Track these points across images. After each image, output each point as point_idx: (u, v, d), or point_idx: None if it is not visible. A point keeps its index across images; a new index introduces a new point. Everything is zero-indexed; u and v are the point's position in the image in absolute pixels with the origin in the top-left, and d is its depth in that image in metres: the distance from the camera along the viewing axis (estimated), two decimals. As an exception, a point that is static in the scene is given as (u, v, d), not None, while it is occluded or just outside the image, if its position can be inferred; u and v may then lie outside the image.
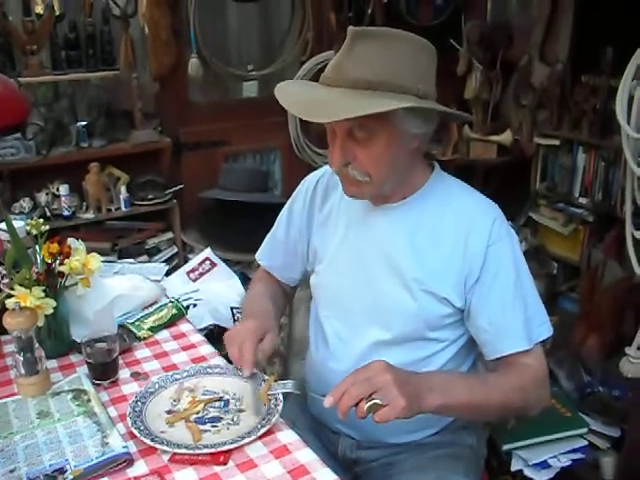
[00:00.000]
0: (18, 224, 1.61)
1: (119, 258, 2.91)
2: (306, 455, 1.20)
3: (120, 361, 1.51)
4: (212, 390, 1.39)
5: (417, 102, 1.22)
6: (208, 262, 2.51)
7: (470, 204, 1.39)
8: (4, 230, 1.59)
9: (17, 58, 2.94)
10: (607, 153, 3.03)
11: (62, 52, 3.02)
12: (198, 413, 1.32)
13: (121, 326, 1.68)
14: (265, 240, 1.69)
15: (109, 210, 3.08)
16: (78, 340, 1.53)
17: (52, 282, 1.51)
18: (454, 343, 1.42)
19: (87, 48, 3.06)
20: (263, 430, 1.23)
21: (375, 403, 1.12)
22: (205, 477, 1.15)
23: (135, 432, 1.23)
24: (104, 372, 1.46)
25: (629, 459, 2.12)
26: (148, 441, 1.21)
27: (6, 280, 1.52)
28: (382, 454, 1.49)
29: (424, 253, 1.36)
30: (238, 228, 2.83)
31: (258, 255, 1.70)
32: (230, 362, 1.43)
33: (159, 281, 2.10)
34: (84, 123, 3.02)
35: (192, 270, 2.47)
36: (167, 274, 2.33)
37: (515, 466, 2.11)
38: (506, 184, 3.44)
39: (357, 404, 1.13)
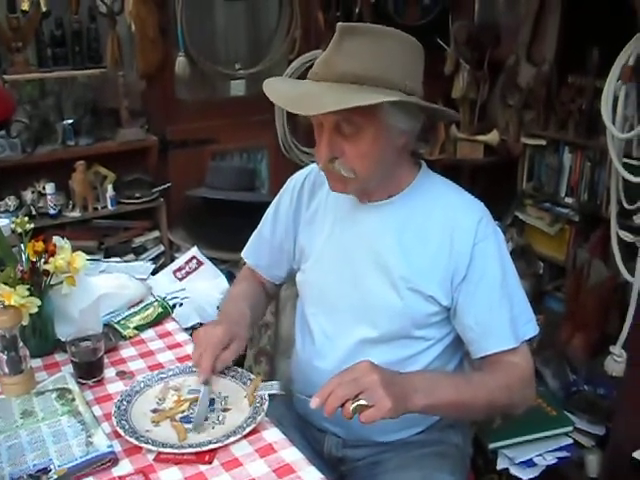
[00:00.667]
0: (3, 222, 1.61)
1: (105, 257, 2.89)
2: (291, 454, 1.20)
3: (105, 360, 1.51)
4: (198, 389, 1.38)
5: (404, 97, 1.22)
6: (195, 261, 2.49)
7: (456, 203, 1.39)
8: (-12, 228, 1.58)
9: (2, 55, 2.92)
10: (593, 153, 3.05)
11: (48, 49, 3.00)
12: (183, 412, 1.31)
13: (106, 325, 1.67)
14: (251, 238, 1.69)
15: (95, 209, 3.06)
16: (63, 339, 1.52)
17: (37, 281, 1.50)
18: (440, 342, 1.43)
19: (73, 45, 3.05)
20: (248, 429, 1.23)
21: (360, 404, 1.12)
22: (190, 476, 1.15)
23: (120, 431, 1.22)
24: (89, 371, 1.45)
25: (614, 457, 2.13)
26: (133, 440, 1.20)
27: (-10, 278, 1.51)
28: (368, 453, 1.49)
29: (411, 251, 1.36)
30: (225, 227, 2.83)
31: (244, 253, 1.70)
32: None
33: (145, 280, 2.09)
34: (70, 121, 3.00)
35: (178, 269, 2.46)
36: (153, 273, 2.31)
37: (501, 465, 2.12)
38: (493, 184, 3.45)
39: (343, 404, 1.13)
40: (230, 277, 2.60)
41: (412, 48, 1.29)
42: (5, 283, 1.40)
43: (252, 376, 1.41)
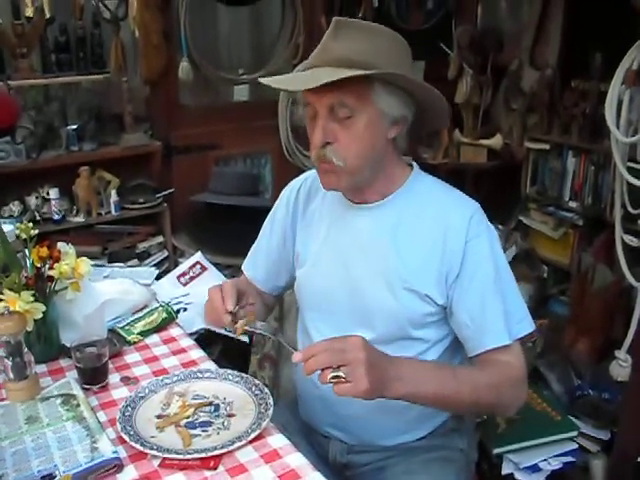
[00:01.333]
0: (7, 228, 1.61)
1: (109, 262, 2.90)
2: (296, 459, 1.20)
3: (110, 365, 1.50)
4: (202, 395, 1.38)
5: (394, 72, 1.25)
6: (198, 266, 2.49)
7: (448, 201, 1.40)
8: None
9: (7, 61, 2.93)
10: (597, 157, 3.05)
11: (52, 55, 3.02)
12: (188, 418, 1.31)
13: (111, 330, 1.67)
14: (250, 250, 1.69)
15: (99, 214, 3.07)
16: (68, 344, 1.52)
17: (41, 286, 1.50)
18: (440, 343, 1.43)
19: (77, 51, 3.06)
20: (253, 435, 1.23)
21: (339, 376, 1.12)
22: (195, 482, 1.15)
23: (125, 437, 1.22)
24: (94, 377, 1.45)
25: (619, 462, 2.12)
26: (138, 446, 1.20)
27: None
28: (373, 458, 1.49)
29: (405, 251, 1.37)
30: (229, 232, 2.83)
31: (244, 266, 1.70)
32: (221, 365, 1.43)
33: (149, 285, 2.09)
34: (74, 127, 3.01)
35: (182, 274, 2.46)
36: (157, 278, 2.31)
37: (506, 470, 2.11)
38: (496, 188, 3.46)
39: (324, 369, 1.13)
40: (234, 282, 2.60)
41: (401, 44, 1.34)
42: (10, 289, 1.40)
43: (257, 381, 1.40)
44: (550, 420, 2.22)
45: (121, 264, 2.63)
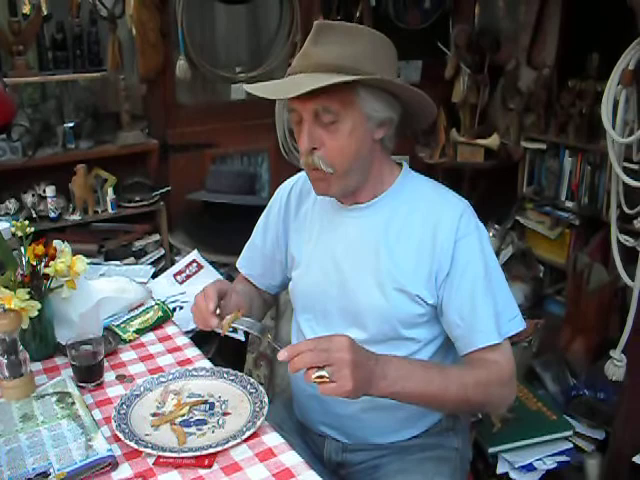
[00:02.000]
0: (3, 225, 1.61)
1: (105, 260, 2.89)
2: (291, 458, 1.20)
3: (105, 364, 1.51)
4: (197, 393, 1.39)
5: (377, 78, 1.25)
6: (195, 264, 2.49)
7: (437, 200, 1.40)
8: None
9: (3, 59, 2.92)
10: (593, 157, 3.06)
11: (49, 53, 3.01)
12: (183, 416, 1.31)
13: (107, 328, 1.67)
14: (244, 248, 1.70)
15: (96, 212, 3.06)
16: (63, 342, 1.52)
17: (37, 284, 1.50)
18: (432, 342, 1.43)
19: (74, 49, 3.05)
20: (248, 433, 1.23)
21: (323, 376, 1.12)
22: (190, 480, 1.15)
23: (120, 435, 1.22)
24: (89, 375, 1.45)
25: (614, 461, 2.13)
26: (133, 444, 1.20)
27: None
28: (368, 457, 1.49)
29: (396, 251, 1.37)
30: (225, 230, 2.83)
31: (238, 263, 1.71)
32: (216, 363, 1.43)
33: (145, 283, 2.09)
34: (71, 124, 3.01)
35: (179, 272, 2.46)
36: (154, 276, 2.32)
37: (501, 469, 2.11)
38: (493, 188, 3.46)
39: (309, 368, 1.13)
40: (230, 280, 2.60)
41: (383, 44, 1.33)
42: (5, 286, 1.40)
43: (252, 380, 1.41)
44: (545, 419, 2.22)
45: (117, 262, 2.62)
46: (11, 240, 1.58)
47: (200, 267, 2.50)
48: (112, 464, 1.17)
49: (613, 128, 2.30)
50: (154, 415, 1.32)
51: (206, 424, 1.29)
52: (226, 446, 1.20)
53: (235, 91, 3.58)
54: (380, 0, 3.57)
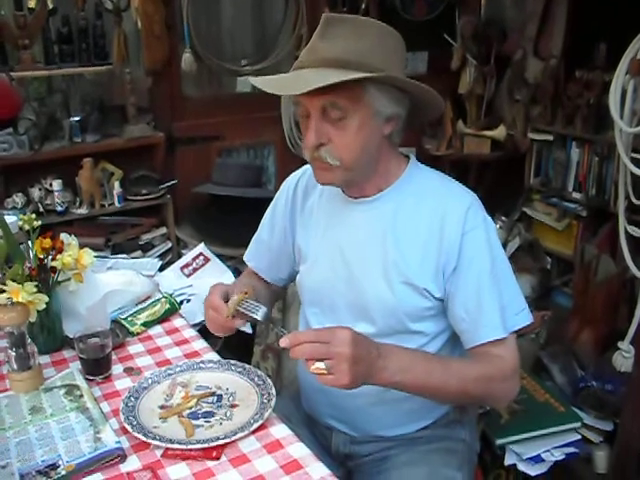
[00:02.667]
0: (11, 219, 1.61)
1: (113, 254, 2.90)
2: (299, 450, 1.20)
3: (113, 356, 1.51)
4: (205, 385, 1.39)
5: (385, 76, 1.24)
6: (202, 257, 2.50)
7: (445, 193, 1.39)
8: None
9: (9, 53, 2.93)
10: (601, 148, 3.04)
11: (55, 46, 3.01)
12: (191, 408, 1.32)
13: (114, 321, 1.68)
14: (251, 241, 1.69)
15: (102, 205, 3.07)
16: (71, 335, 1.52)
17: (44, 277, 1.51)
18: (439, 336, 1.42)
19: (80, 42, 3.05)
20: (256, 425, 1.23)
21: (321, 368, 1.13)
22: (198, 472, 1.15)
23: (128, 427, 1.23)
24: (97, 367, 1.46)
25: (622, 453, 2.12)
26: (141, 436, 1.21)
27: (-1, 275, 1.52)
28: (375, 448, 1.49)
29: (403, 245, 1.36)
30: (232, 223, 2.83)
31: (245, 256, 1.70)
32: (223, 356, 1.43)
33: (152, 276, 2.10)
34: (77, 118, 3.01)
35: (186, 265, 2.47)
36: (161, 269, 2.32)
37: (508, 460, 2.11)
38: (500, 179, 3.45)
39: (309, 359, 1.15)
40: (237, 273, 2.60)
41: (392, 37, 1.32)
42: (13, 280, 1.40)
43: (260, 372, 1.41)
44: (553, 411, 2.22)
45: (124, 255, 2.63)
46: (18, 234, 1.58)
47: (207, 260, 2.51)
48: (120, 456, 1.17)
49: (621, 118, 2.28)
50: (162, 407, 1.32)
51: (214, 416, 1.29)
52: (234, 438, 1.20)
53: (241, 83, 3.58)
54: (386, -9, 3.56)
